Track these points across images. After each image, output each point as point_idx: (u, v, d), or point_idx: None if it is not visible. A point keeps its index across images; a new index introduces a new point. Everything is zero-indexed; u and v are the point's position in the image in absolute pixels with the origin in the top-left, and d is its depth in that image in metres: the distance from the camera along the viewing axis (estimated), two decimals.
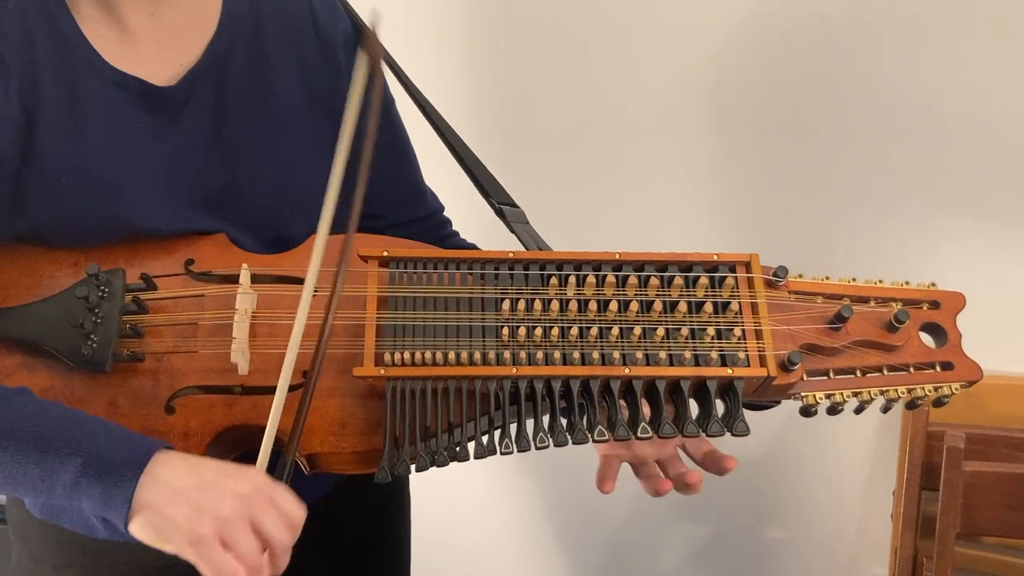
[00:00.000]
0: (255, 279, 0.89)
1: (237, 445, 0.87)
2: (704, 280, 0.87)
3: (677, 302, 0.86)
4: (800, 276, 0.93)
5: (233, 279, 0.88)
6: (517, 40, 1.54)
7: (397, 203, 1.05)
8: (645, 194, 1.59)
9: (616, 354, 0.83)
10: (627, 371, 0.83)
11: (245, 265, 0.88)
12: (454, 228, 1.12)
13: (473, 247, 1.10)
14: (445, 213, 1.12)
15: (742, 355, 0.84)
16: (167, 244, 0.91)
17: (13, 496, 0.80)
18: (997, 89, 1.40)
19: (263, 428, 0.84)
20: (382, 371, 0.82)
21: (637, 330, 0.84)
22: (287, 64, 0.96)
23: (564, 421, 0.83)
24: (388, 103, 1.04)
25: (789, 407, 0.93)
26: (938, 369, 0.91)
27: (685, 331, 0.85)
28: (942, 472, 1.32)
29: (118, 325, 0.85)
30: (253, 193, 0.94)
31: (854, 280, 0.94)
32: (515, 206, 1.01)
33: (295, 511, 0.78)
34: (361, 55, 0.89)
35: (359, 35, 0.99)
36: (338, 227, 0.91)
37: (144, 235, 0.90)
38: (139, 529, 0.75)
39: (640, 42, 1.50)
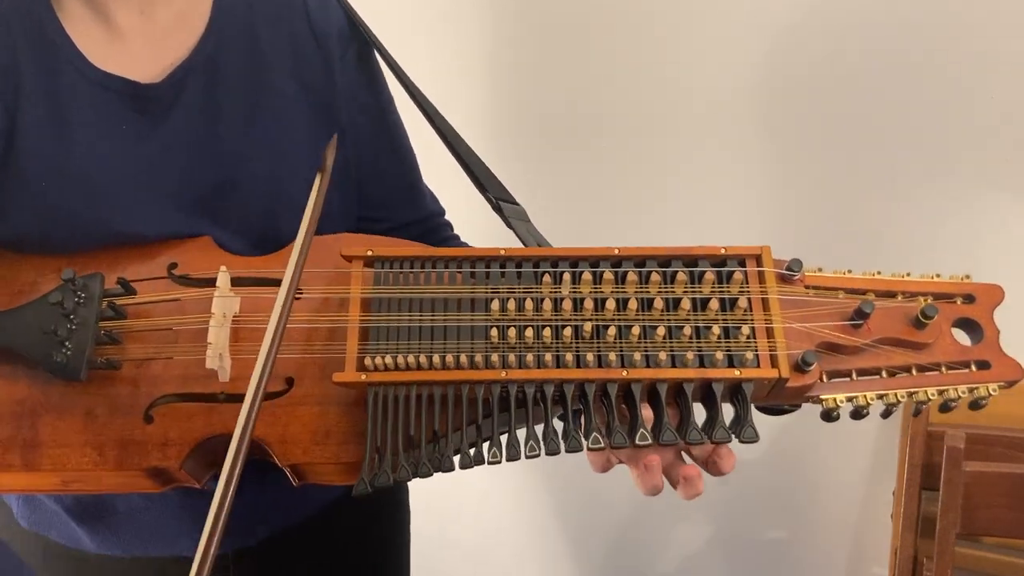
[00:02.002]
0: (237, 282, 0.86)
1: (218, 456, 0.83)
2: (710, 276, 0.80)
3: (680, 299, 0.80)
4: (820, 270, 0.86)
5: (212, 283, 0.85)
6: (533, 36, 1.52)
7: (396, 205, 1.02)
8: (660, 191, 1.57)
9: (612, 355, 0.77)
10: (624, 374, 0.77)
11: (223, 268, 0.85)
12: (455, 231, 1.07)
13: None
14: (447, 216, 1.07)
15: (751, 355, 0.78)
16: (151, 248, 0.88)
17: None
18: None
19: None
20: (363, 376, 0.78)
21: (636, 329, 0.78)
22: (282, 59, 0.93)
23: (558, 427, 0.78)
24: (386, 103, 1.01)
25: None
26: (973, 369, 0.83)
27: (688, 330, 0.78)
28: (942, 472, 1.31)
29: (94, 331, 0.82)
30: (249, 192, 0.91)
31: (879, 273, 0.86)
32: (515, 203, 0.96)
33: None
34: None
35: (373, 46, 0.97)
36: (326, 228, 0.87)
37: (128, 240, 0.88)
38: None
39: (651, 37, 1.47)
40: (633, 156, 1.56)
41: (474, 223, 1.06)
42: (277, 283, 0.85)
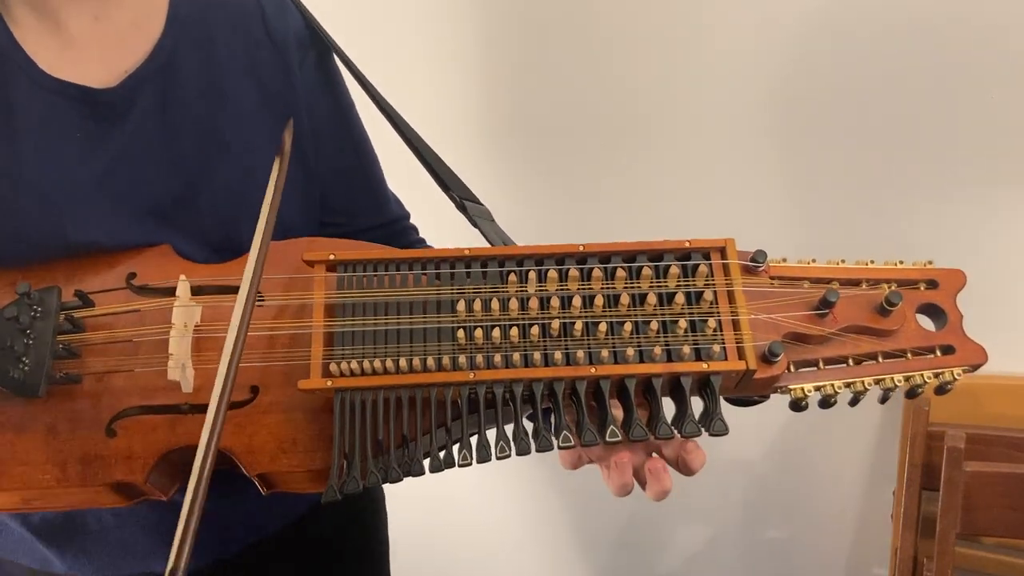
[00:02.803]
0: (197, 290, 0.84)
1: (184, 468, 0.82)
2: (675, 269, 0.80)
3: (646, 294, 0.79)
4: (784, 260, 0.87)
5: (172, 292, 0.83)
6: (531, 36, 1.51)
7: (359, 209, 1.01)
8: (653, 192, 1.57)
9: (580, 353, 0.77)
10: (593, 371, 0.77)
11: (183, 276, 0.83)
12: (421, 235, 1.06)
13: None
14: (412, 220, 1.06)
15: (718, 348, 0.78)
16: (108, 259, 0.87)
17: None
18: None
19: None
20: (329, 383, 0.77)
21: (603, 326, 0.78)
22: (238, 65, 0.92)
23: (528, 427, 0.77)
24: (347, 107, 1.00)
25: (783, 405, 0.87)
26: (938, 354, 0.83)
27: (655, 325, 0.78)
28: (942, 472, 1.32)
29: (51, 346, 0.80)
30: (209, 200, 0.90)
31: (843, 262, 0.86)
32: (479, 203, 0.95)
33: None
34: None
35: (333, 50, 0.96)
36: (282, 234, 0.86)
37: (85, 250, 0.86)
38: None
39: (651, 38, 1.47)
40: (633, 158, 1.56)
41: (442, 226, 1.05)
42: (238, 290, 0.84)
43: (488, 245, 0.91)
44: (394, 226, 1.04)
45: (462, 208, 0.94)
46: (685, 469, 0.78)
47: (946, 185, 1.46)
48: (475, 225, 0.92)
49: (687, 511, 1.81)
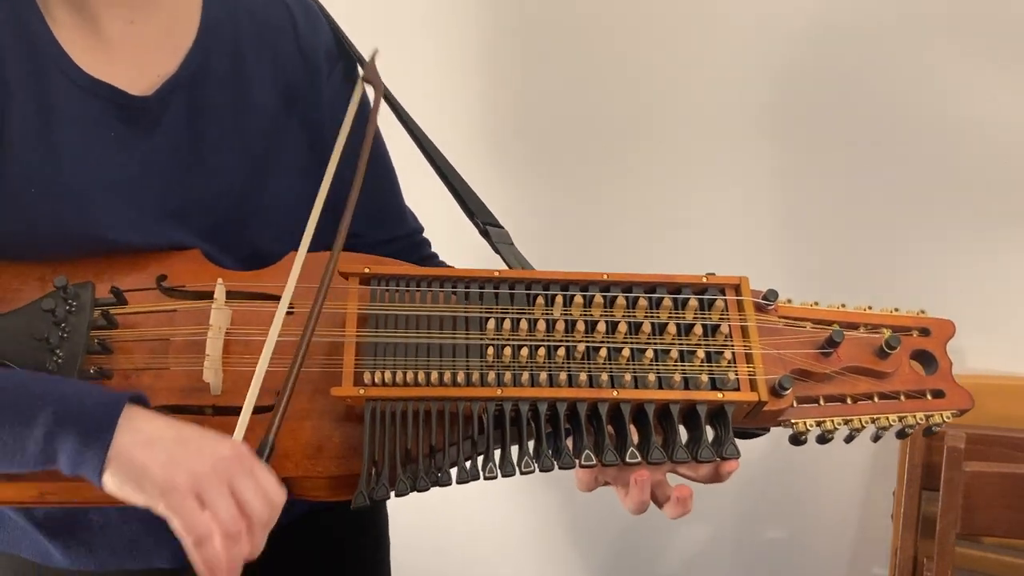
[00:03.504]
0: (229, 295, 0.86)
1: None
2: (693, 302, 0.85)
3: (666, 324, 0.84)
4: (789, 301, 0.92)
5: (207, 295, 0.85)
6: (532, 38, 1.52)
7: (376, 222, 1.03)
8: (658, 195, 1.58)
9: (604, 376, 0.81)
10: (615, 394, 0.80)
11: (220, 280, 0.85)
12: (434, 249, 1.09)
13: (452, 269, 1.07)
14: (424, 234, 1.09)
15: (732, 378, 0.82)
16: (138, 259, 0.88)
17: None
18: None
19: None
20: (361, 391, 0.79)
21: (626, 351, 0.82)
22: (266, 76, 0.94)
23: (550, 445, 0.80)
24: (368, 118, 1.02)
25: None
26: (929, 397, 0.89)
27: (674, 353, 0.82)
28: (942, 472, 1.31)
29: (86, 340, 0.81)
30: (226, 207, 0.92)
31: (843, 306, 0.92)
32: (499, 226, 0.99)
33: (275, 489, 0.74)
34: (359, 84, 0.91)
35: (360, 63, 0.99)
36: (317, 245, 0.89)
37: (115, 249, 0.87)
38: (111, 477, 0.71)
39: (654, 41, 1.49)
40: (634, 160, 1.57)
41: (453, 241, 1.08)
42: (270, 298, 0.87)
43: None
44: (410, 239, 1.07)
45: (485, 234, 0.97)
46: (709, 480, 0.82)
47: (946, 185, 1.49)
48: (497, 252, 0.95)
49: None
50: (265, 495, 0.73)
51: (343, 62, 1.00)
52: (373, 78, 0.98)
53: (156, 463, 0.70)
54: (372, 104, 0.98)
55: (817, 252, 1.58)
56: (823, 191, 1.54)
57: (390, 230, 1.04)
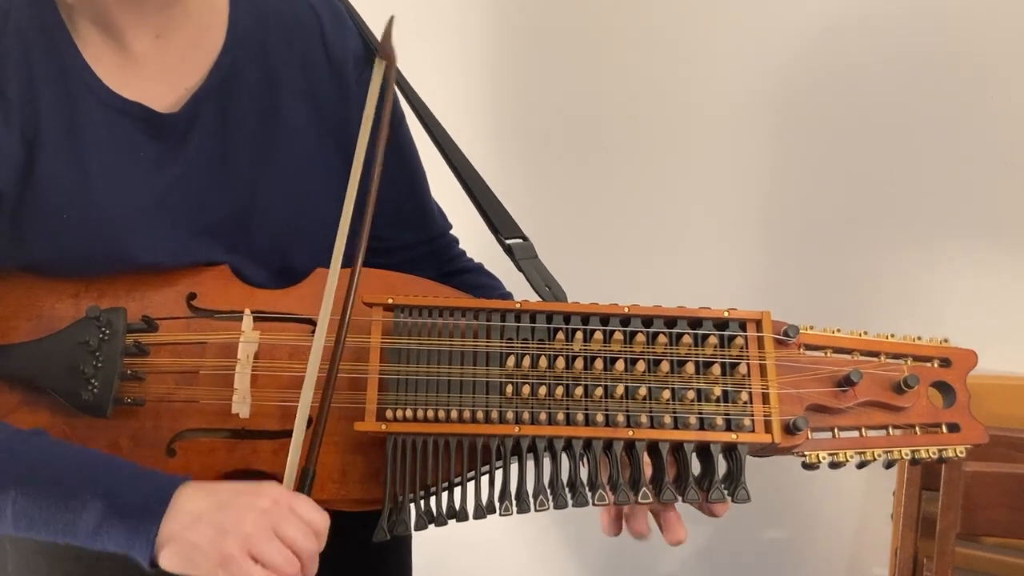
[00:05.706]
0: (257, 317, 0.88)
1: None
2: (713, 339, 0.85)
3: (685, 361, 0.85)
4: (811, 328, 0.92)
5: (236, 316, 0.87)
6: (533, 40, 1.51)
7: (406, 224, 1.03)
8: (654, 194, 1.59)
9: (620, 416, 0.82)
10: (631, 433, 0.82)
11: (247, 310, 0.87)
12: (461, 247, 1.09)
13: (479, 267, 1.08)
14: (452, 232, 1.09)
15: (747, 421, 0.84)
16: (169, 276, 0.89)
17: (34, 537, 0.82)
18: None
19: (263, 472, 0.84)
20: (384, 427, 0.82)
21: (642, 391, 0.83)
22: (295, 83, 0.93)
23: (565, 479, 0.83)
24: (398, 120, 1.01)
25: None
26: (944, 431, 0.90)
27: (691, 394, 0.83)
28: (942, 472, 1.31)
29: (119, 369, 0.84)
30: (260, 220, 0.92)
31: (865, 333, 0.92)
32: (524, 239, 0.99)
33: (317, 517, 0.79)
34: (378, 64, 0.90)
35: (375, 47, 0.96)
36: (346, 258, 0.89)
37: (146, 267, 0.89)
38: (167, 562, 0.76)
39: (655, 44, 1.48)
40: (634, 163, 1.57)
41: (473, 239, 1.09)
42: (298, 320, 0.88)
43: (531, 288, 0.95)
44: (438, 242, 1.06)
45: (508, 251, 0.97)
46: (710, 514, 0.85)
47: (946, 185, 1.49)
48: (520, 269, 0.96)
49: (687, 511, 1.85)
50: (309, 528, 0.78)
51: (371, 65, 0.98)
52: (388, 53, 0.94)
53: (205, 540, 0.75)
54: (385, 85, 0.94)
55: (817, 252, 1.58)
56: (823, 191, 1.54)
57: (418, 232, 1.04)
